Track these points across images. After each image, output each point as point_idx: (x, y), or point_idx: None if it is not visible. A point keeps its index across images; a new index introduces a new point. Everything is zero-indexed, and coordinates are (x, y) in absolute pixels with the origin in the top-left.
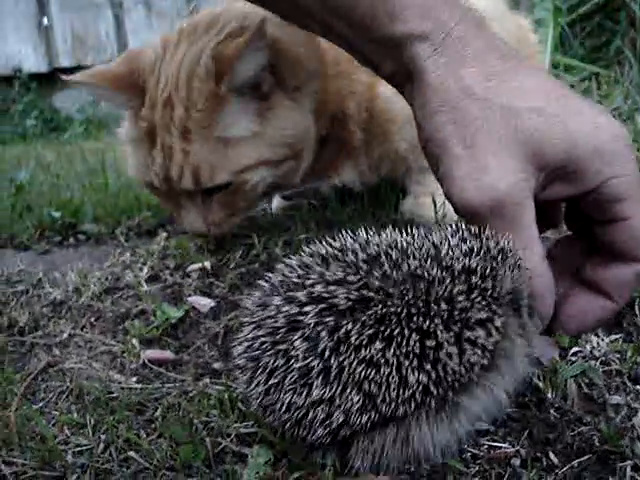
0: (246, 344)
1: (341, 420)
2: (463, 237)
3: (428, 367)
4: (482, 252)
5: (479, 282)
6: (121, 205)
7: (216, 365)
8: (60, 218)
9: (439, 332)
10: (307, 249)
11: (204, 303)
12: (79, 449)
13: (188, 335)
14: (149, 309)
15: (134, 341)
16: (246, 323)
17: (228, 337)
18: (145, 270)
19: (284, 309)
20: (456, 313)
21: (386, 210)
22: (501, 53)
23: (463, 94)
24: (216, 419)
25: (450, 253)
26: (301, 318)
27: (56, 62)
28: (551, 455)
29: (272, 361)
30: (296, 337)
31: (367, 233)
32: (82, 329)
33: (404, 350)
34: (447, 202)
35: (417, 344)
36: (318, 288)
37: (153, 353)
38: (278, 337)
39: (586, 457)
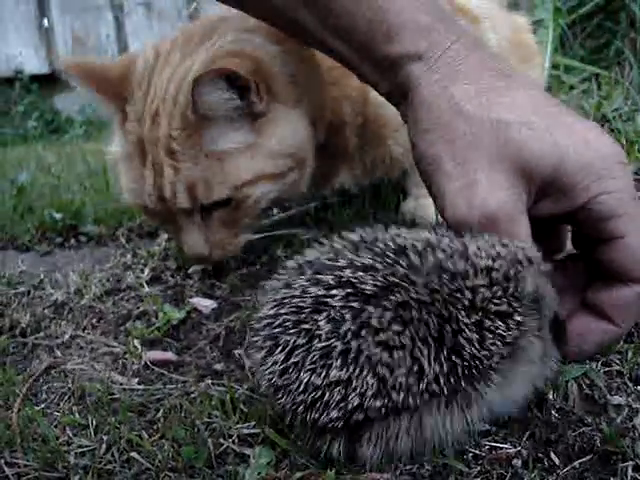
0: (266, 322)
1: (356, 403)
2: (492, 243)
3: (444, 353)
4: (508, 257)
5: (501, 280)
6: (122, 206)
7: (218, 366)
8: (61, 219)
9: (460, 317)
10: (337, 237)
11: (206, 304)
12: (81, 450)
13: (190, 336)
14: (151, 310)
15: (136, 342)
16: (268, 300)
17: (229, 338)
18: (146, 271)
19: (311, 290)
20: (478, 301)
21: (387, 211)
22: (495, 70)
23: (453, 112)
24: (218, 420)
25: (477, 252)
26: (327, 300)
27: (57, 64)
28: (552, 455)
29: (293, 340)
30: (321, 318)
31: (398, 228)
32: (84, 330)
33: (421, 334)
34: None
35: (435, 327)
36: (347, 272)
37: (155, 354)
38: (302, 317)
39: (587, 457)
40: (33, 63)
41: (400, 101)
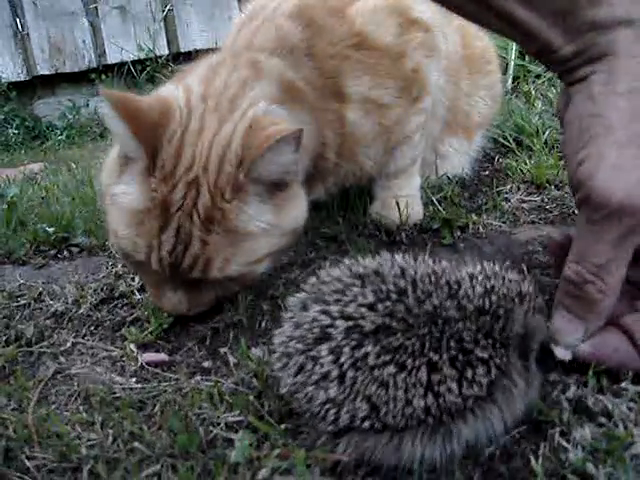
0: (284, 338)
1: (347, 422)
2: (488, 273)
3: (431, 396)
4: (501, 292)
5: (489, 322)
6: None
7: (206, 364)
8: (53, 233)
9: (445, 368)
10: (347, 263)
11: None
12: (90, 443)
13: (180, 338)
14: (143, 316)
15: (132, 346)
16: (287, 319)
17: (215, 338)
18: (137, 280)
19: (320, 318)
20: (461, 354)
21: (356, 214)
22: None
23: None
24: (207, 411)
25: (469, 292)
26: (331, 331)
27: (35, 71)
28: None
29: (301, 361)
30: (324, 347)
31: (404, 259)
32: (83, 337)
33: (412, 380)
34: (410, 204)
35: (425, 375)
36: (350, 308)
37: (149, 356)
38: (310, 342)
39: (524, 427)
40: (10, 70)
41: (584, 64)
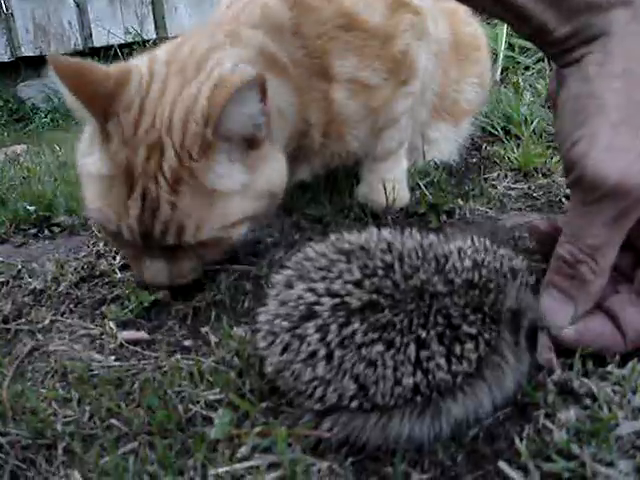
0: (269, 317)
1: (334, 401)
2: (477, 249)
3: (420, 373)
4: (492, 266)
5: (477, 297)
6: None
7: (186, 342)
8: (34, 211)
9: (433, 345)
10: (333, 238)
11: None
12: (67, 420)
13: (160, 317)
14: (123, 294)
15: (111, 324)
16: (272, 296)
17: (196, 317)
18: (118, 259)
19: (305, 296)
20: (449, 330)
21: (342, 196)
22: None
23: None
24: (187, 389)
25: (457, 266)
26: (317, 308)
27: (19, 52)
28: None
29: (287, 339)
30: (310, 325)
31: (391, 233)
32: (62, 315)
33: (401, 357)
34: (397, 188)
35: (413, 352)
36: (336, 285)
37: (129, 334)
38: (295, 320)
39: (509, 409)
40: None
41: (578, 46)
